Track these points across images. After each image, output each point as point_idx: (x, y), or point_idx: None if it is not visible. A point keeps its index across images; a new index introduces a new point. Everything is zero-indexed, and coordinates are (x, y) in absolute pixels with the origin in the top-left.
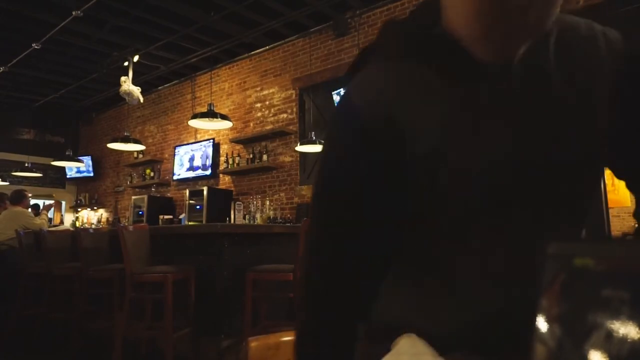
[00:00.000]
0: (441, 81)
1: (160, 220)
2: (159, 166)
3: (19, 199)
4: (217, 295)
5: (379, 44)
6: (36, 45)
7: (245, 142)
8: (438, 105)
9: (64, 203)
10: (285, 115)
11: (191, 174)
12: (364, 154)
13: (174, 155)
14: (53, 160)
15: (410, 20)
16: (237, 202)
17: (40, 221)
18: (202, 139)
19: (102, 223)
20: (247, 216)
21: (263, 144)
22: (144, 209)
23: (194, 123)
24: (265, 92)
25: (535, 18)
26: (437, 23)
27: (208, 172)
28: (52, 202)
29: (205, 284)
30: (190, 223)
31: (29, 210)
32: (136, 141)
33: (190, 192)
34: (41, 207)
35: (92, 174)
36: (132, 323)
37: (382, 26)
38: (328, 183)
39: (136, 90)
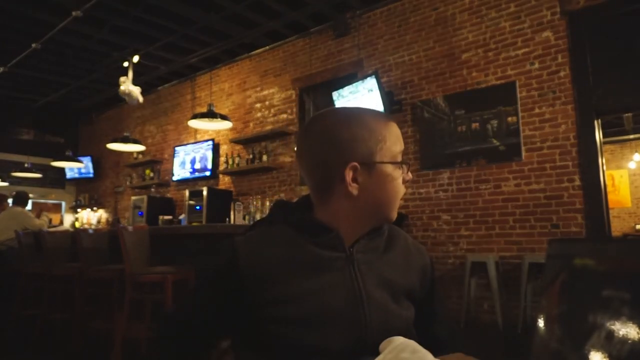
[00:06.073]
0: (318, 250)
1: (160, 221)
2: (158, 166)
3: (23, 201)
4: None
5: (270, 215)
6: (36, 45)
7: (245, 142)
8: (303, 270)
9: (63, 204)
10: (285, 116)
11: (191, 175)
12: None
13: (174, 155)
14: (53, 161)
15: (296, 205)
16: (237, 203)
17: (40, 222)
18: (201, 140)
19: (101, 223)
20: (247, 217)
21: (263, 144)
22: (144, 209)
23: (193, 123)
24: (265, 92)
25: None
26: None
27: (208, 172)
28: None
29: None
30: (194, 224)
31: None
32: (136, 141)
33: (190, 192)
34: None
35: (91, 175)
36: (132, 323)
37: (274, 203)
38: (199, 286)
39: (136, 91)
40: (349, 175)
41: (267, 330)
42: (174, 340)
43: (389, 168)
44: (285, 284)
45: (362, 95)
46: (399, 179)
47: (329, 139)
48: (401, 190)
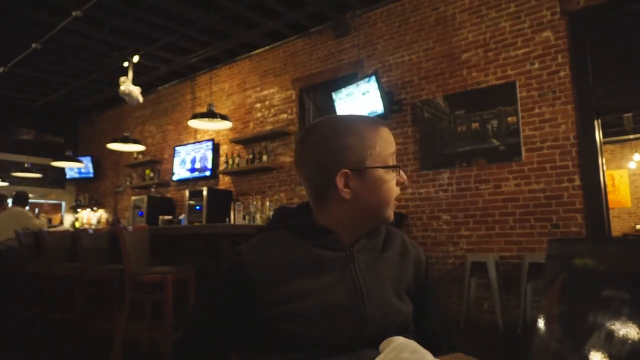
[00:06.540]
0: (317, 251)
1: (160, 221)
2: (158, 166)
3: (23, 201)
4: None
5: (271, 221)
6: (36, 45)
7: (245, 142)
8: (304, 271)
9: (63, 204)
10: (285, 116)
11: (191, 175)
12: (233, 289)
13: (174, 155)
14: (53, 161)
15: (296, 210)
16: (237, 203)
17: (40, 221)
18: (202, 140)
19: (101, 223)
20: (247, 217)
21: (263, 144)
22: (144, 209)
23: (193, 123)
24: (265, 92)
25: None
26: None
27: (208, 172)
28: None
29: (205, 285)
30: (194, 224)
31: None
32: (136, 141)
33: (190, 192)
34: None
35: (91, 175)
36: (132, 323)
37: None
38: (207, 293)
39: (136, 91)
40: (340, 181)
41: (271, 329)
42: (188, 348)
43: (380, 172)
44: (287, 284)
45: (361, 96)
46: (391, 182)
47: (323, 149)
48: (394, 191)
